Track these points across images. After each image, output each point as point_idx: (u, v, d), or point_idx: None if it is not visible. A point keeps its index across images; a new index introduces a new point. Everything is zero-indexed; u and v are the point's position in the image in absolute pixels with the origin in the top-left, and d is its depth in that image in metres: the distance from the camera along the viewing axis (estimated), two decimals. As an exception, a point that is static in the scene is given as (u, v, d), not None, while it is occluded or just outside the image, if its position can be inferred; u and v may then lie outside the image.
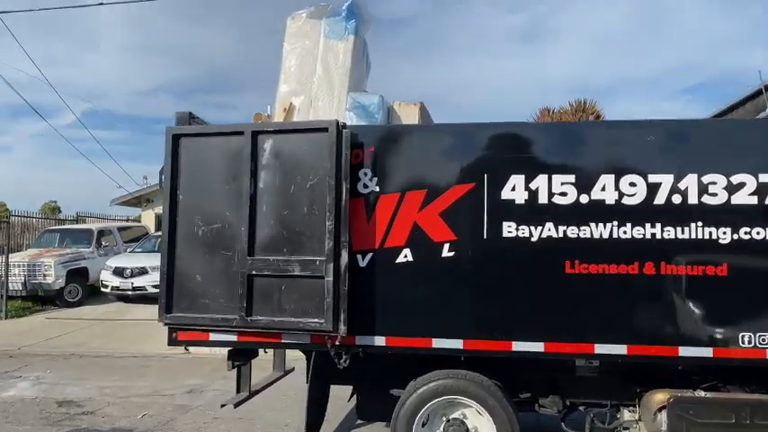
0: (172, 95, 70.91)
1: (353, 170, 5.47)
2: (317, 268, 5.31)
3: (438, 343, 5.43)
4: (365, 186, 5.56)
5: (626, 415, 5.72)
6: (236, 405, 6.37)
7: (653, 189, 5.21)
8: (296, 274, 5.38)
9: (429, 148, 5.55)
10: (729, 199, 5.09)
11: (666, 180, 5.19)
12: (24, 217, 24.06)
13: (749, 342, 5.04)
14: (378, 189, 5.54)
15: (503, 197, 5.40)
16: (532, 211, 5.35)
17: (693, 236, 5.12)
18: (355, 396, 6.49)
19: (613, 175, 5.26)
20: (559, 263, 5.30)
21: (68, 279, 18.21)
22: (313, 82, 6.03)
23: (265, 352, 6.20)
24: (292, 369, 7.84)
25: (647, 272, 5.17)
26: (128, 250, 20.01)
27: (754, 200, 5.06)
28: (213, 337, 5.71)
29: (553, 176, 5.34)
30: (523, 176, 5.37)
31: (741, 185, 5.08)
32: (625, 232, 5.24)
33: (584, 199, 5.29)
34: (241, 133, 5.59)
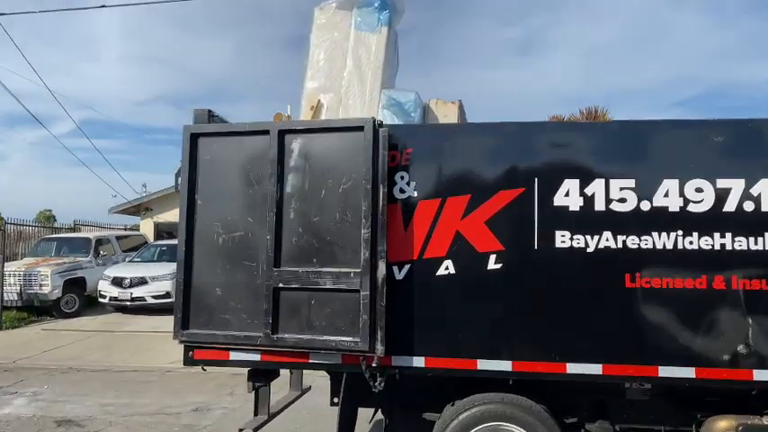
0: (168, 105, 70.38)
1: (389, 173, 4.97)
2: (352, 281, 4.80)
3: (484, 364, 4.91)
4: (401, 191, 5.07)
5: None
6: (256, 430, 5.82)
7: (722, 195, 4.73)
8: (327, 287, 4.86)
9: (473, 150, 5.06)
10: (809, 206, 4.61)
11: (737, 185, 4.71)
12: (20, 225, 23.45)
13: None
14: (416, 194, 5.05)
15: (555, 203, 4.91)
16: (588, 219, 4.87)
17: (768, 247, 4.63)
18: (382, 419, 5.95)
19: (677, 180, 4.78)
20: (619, 276, 4.81)
21: (65, 289, 17.62)
22: (343, 78, 5.53)
23: (291, 373, 5.65)
24: (309, 388, 7.32)
25: (717, 287, 4.69)
26: (126, 260, 19.46)
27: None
28: (234, 356, 5.19)
29: (611, 181, 4.86)
30: (578, 181, 4.89)
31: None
32: (691, 243, 4.75)
33: (645, 206, 4.81)
34: (267, 132, 5.09)
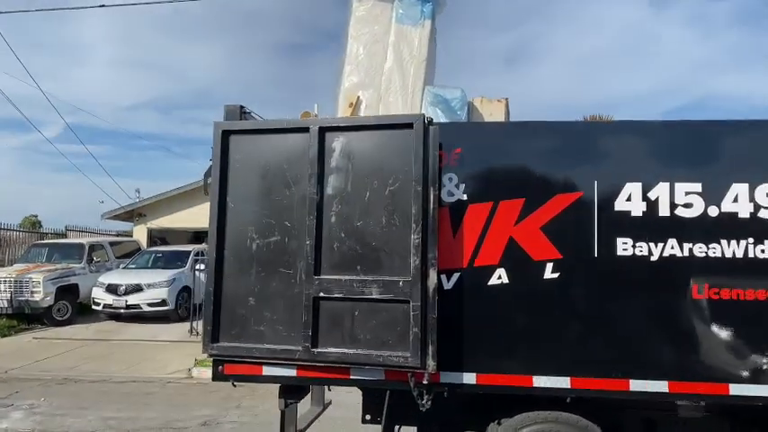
0: (154, 111, 69.57)
1: (436, 175, 4.61)
2: (401, 291, 4.44)
3: (540, 381, 4.57)
4: (450, 194, 4.73)
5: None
6: None
7: (796, 201, 4.42)
8: (373, 297, 4.49)
9: (528, 150, 4.73)
10: None
11: None
12: (9, 230, 22.84)
13: None
14: (465, 197, 4.71)
15: (616, 208, 4.59)
16: (652, 226, 4.55)
17: None
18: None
19: (747, 184, 4.48)
20: (685, 286, 4.49)
21: (58, 296, 17.05)
22: (383, 73, 5.17)
23: (329, 389, 5.26)
24: (329, 402, 6.93)
25: (792, 298, 4.37)
26: (120, 266, 18.92)
27: None
28: (267, 371, 4.80)
29: (676, 184, 4.55)
30: (640, 184, 4.58)
31: None
32: (763, 251, 4.45)
33: (712, 211, 4.51)
34: (306, 130, 4.72)
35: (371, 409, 5.35)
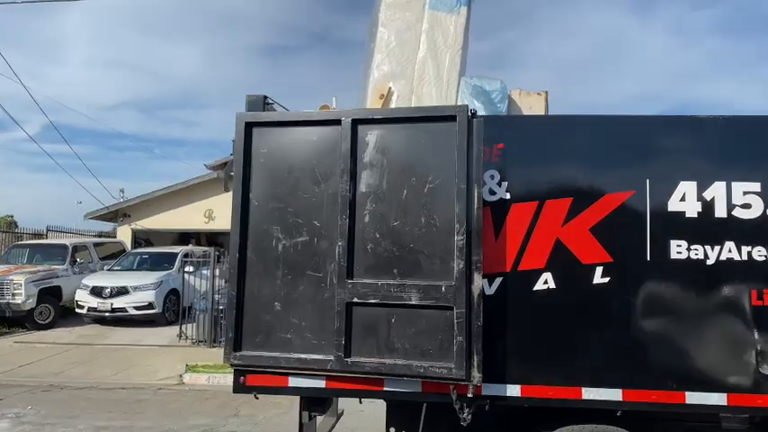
0: (135, 110, 68.43)
1: (477, 172, 4.29)
2: (443, 296, 4.10)
3: (589, 393, 4.26)
4: (492, 192, 4.40)
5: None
6: None
7: None
8: (413, 303, 4.15)
9: (576, 146, 4.43)
10: None
11: None
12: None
13: None
14: (508, 196, 4.39)
15: (670, 209, 4.30)
16: (707, 228, 4.27)
17: None
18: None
19: None
20: (744, 293, 4.21)
21: (40, 299, 16.44)
22: (415, 63, 4.84)
23: (360, 402, 4.90)
24: (342, 412, 6.57)
25: None
26: (105, 268, 18.34)
27: None
28: (294, 382, 4.43)
29: (733, 184, 4.27)
30: (695, 183, 4.30)
31: None
32: (827, 255, 4.17)
33: (772, 212, 4.22)
34: (338, 122, 4.37)
35: (398, 421, 5.01)
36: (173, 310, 16.89)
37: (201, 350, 14.12)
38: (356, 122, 4.35)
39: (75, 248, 18.51)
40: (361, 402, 4.88)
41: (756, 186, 4.25)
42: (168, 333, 15.73)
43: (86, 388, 11.28)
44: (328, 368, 4.24)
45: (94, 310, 16.50)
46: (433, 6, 4.91)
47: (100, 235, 25.39)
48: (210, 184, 21.61)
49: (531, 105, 4.96)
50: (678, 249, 4.27)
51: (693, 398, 4.19)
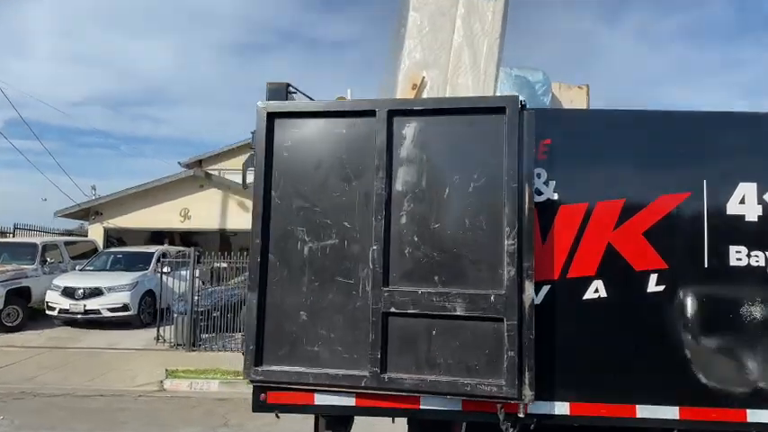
0: (102, 107, 66.56)
1: (522, 170, 3.92)
2: (492, 307, 3.73)
3: (645, 411, 3.92)
4: (538, 192, 4.04)
5: None
6: None
7: None
8: (457, 314, 3.77)
9: (628, 142, 4.09)
10: None
11: None
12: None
13: None
14: (556, 196, 4.03)
15: (728, 212, 3.98)
16: None
17: None
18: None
19: None
20: (809, 303, 3.91)
21: (8, 300, 15.66)
22: (449, 51, 4.45)
23: (393, 421, 4.48)
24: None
25: None
26: (77, 268, 17.60)
27: None
28: (320, 399, 4.02)
29: None
30: (755, 185, 3.98)
31: None
32: None
33: (839, 217, 3.94)
34: (372, 113, 3.97)
35: None
36: (148, 312, 16.31)
37: (180, 354, 13.61)
38: (392, 114, 3.95)
39: (46, 247, 17.74)
40: (394, 422, 4.47)
41: None
42: (144, 336, 15.15)
43: (62, 395, 10.69)
44: (363, 385, 3.84)
45: (66, 311, 15.82)
46: (470, -10, 4.53)
47: (70, 233, 24.46)
48: (186, 183, 21.00)
49: (572, 99, 4.63)
50: (738, 256, 3.96)
51: (756, 416, 3.88)
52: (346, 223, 3.99)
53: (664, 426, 3.95)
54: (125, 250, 18.87)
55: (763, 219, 3.97)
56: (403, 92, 4.42)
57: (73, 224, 25.51)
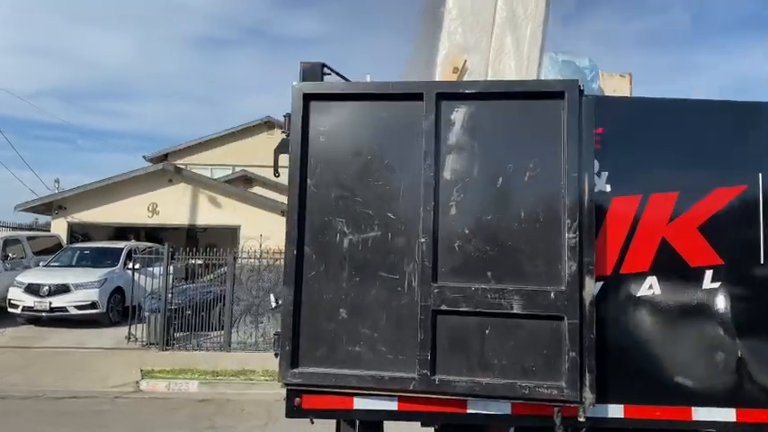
0: (56, 99, 64.45)
1: (572, 159, 3.71)
2: (552, 304, 3.50)
3: (701, 414, 3.75)
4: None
5: None
6: None
7: None
8: (514, 311, 3.53)
9: (683, 132, 3.91)
10: None
11: None
12: None
13: None
14: (609, 188, 3.82)
15: None
16: None
17: None
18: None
19: None
20: None
21: (-34, 298, 14.92)
22: (491, 35, 4.22)
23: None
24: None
25: None
26: (41, 264, 16.85)
27: None
28: (360, 403, 3.74)
29: None
30: None
31: None
32: None
33: None
34: (419, 96, 3.70)
35: None
36: (117, 309, 15.73)
37: (153, 353, 13.11)
38: (441, 97, 3.69)
39: (7, 242, 16.95)
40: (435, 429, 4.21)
41: None
42: (113, 334, 14.57)
43: (31, 398, 10.13)
44: (411, 388, 3.57)
45: (30, 309, 15.10)
46: (512, -30, 4.30)
47: (31, 228, 23.51)
48: (154, 177, 20.36)
49: (615, 88, 4.43)
50: (794, 251, 3.82)
51: (815, 417, 3.74)
52: (390, 214, 3.72)
53: (720, 429, 3.78)
54: (92, 246, 18.16)
55: None
56: (443, 75, 4.17)
57: (28, 218, 24.60)
